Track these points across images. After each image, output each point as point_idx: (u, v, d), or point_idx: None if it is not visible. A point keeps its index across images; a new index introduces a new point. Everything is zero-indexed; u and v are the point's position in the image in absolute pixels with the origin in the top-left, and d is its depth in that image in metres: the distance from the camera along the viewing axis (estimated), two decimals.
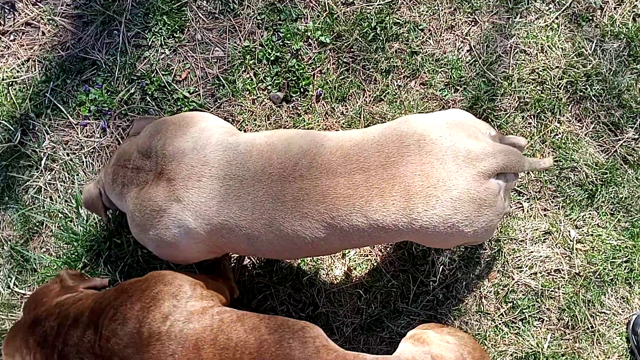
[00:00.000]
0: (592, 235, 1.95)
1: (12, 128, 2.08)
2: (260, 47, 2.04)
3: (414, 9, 2.06)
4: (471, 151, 1.40)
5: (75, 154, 2.07)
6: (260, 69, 2.05)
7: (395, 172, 1.39)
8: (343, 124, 2.01)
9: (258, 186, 1.44)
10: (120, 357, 1.39)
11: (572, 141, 1.99)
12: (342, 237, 1.44)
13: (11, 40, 2.13)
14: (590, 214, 1.97)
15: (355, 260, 1.95)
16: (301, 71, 2.02)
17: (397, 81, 2.03)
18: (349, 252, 1.95)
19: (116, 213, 1.97)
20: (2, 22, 2.14)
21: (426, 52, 2.04)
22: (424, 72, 2.02)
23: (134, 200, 1.55)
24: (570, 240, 1.95)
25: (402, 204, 1.38)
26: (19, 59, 2.12)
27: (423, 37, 2.04)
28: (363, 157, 1.42)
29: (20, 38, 2.13)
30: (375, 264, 1.94)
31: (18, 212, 2.05)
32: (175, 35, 2.07)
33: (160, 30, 2.07)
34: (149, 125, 1.65)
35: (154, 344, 1.37)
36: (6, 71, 2.11)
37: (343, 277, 1.94)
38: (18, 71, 2.11)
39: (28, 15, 2.14)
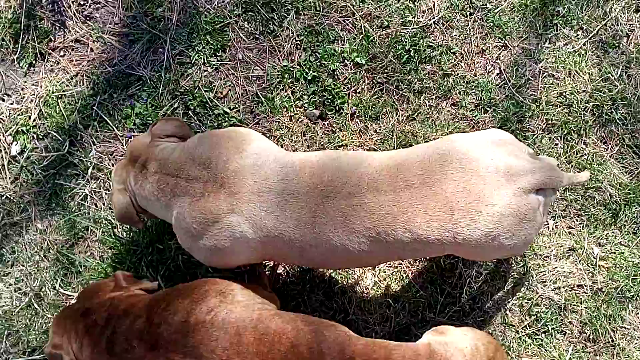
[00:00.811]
0: (614, 252, 2.33)
1: (60, 138, 2.53)
2: (298, 67, 2.47)
3: (447, 33, 2.48)
4: (512, 168, 1.73)
5: None
6: (297, 88, 2.47)
7: (438, 189, 1.72)
8: (376, 141, 2.42)
9: (311, 202, 1.78)
10: (167, 341, 1.74)
11: (597, 162, 2.38)
12: (387, 251, 1.81)
13: (61, 56, 2.58)
14: (613, 232, 2.35)
15: (385, 272, 2.35)
16: (337, 90, 2.44)
17: (429, 101, 2.44)
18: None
19: (158, 220, 2.37)
20: (53, 39, 2.60)
21: (457, 74, 2.45)
22: (455, 94, 2.43)
23: (189, 212, 1.86)
24: (594, 257, 2.32)
25: (445, 219, 1.71)
26: (68, 73, 2.57)
27: (455, 60, 2.46)
28: (407, 175, 1.75)
29: (70, 54, 2.59)
30: (404, 275, 2.34)
31: (64, 217, 2.48)
32: (217, 54, 2.51)
33: (203, 49, 2.51)
34: (203, 136, 1.99)
35: (198, 330, 1.74)
36: (56, 85, 2.56)
37: (373, 287, 2.34)
38: (67, 85, 2.56)
39: (77, 32, 2.60)
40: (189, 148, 1.97)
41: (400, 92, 2.50)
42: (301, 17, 2.51)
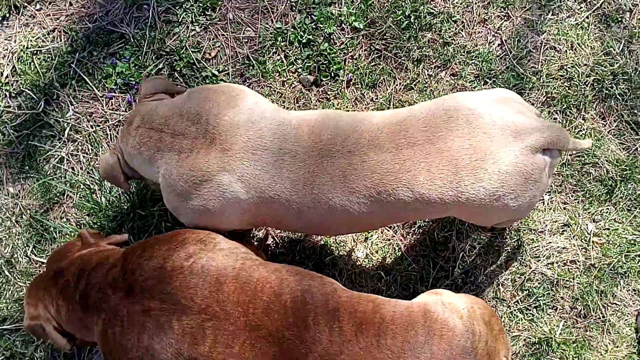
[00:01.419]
0: (608, 229, 2.56)
1: (35, 97, 2.63)
2: (292, 30, 2.60)
3: (449, 1, 2.64)
4: (519, 125, 1.84)
5: (99, 126, 2.62)
6: (291, 52, 2.61)
7: (442, 147, 1.82)
8: (372, 110, 2.57)
9: (309, 161, 1.89)
10: (142, 287, 1.81)
11: (595, 137, 2.59)
12: (387, 212, 1.92)
13: (37, 10, 2.67)
14: (608, 209, 2.58)
15: (377, 244, 2.53)
16: (333, 55, 2.59)
17: (428, 71, 2.61)
18: (372, 235, 2.53)
19: (140, 185, 2.49)
20: None
21: (458, 43, 2.63)
22: (455, 63, 2.61)
23: (177, 168, 1.93)
24: (588, 233, 2.55)
25: (449, 177, 1.81)
26: (44, 28, 2.66)
27: (456, 29, 2.63)
28: (410, 132, 1.85)
29: (47, 7, 2.68)
30: (397, 248, 2.53)
31: (39, 181, 2.60)
32: (206, 12, 2.63)
33: (191, 7, 2.63)
34: (194, 92, 2.06)
35: (175, 277, 1.81)
36: (31, 40, 2.65)
37: (365, 259, 2.52)
38: (43, 41, 2.65)
39: None
40: (177, 103, 2.05)
41: (399, 60, 2.68)
42: None
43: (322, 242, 2.60)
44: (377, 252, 2.60)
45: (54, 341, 2.06)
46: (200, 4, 2.68)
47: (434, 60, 2.67)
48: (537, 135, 1.85)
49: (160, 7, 2.69)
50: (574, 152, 2.58)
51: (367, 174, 1.87)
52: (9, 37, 2.68)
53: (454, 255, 2.59)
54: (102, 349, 1.92)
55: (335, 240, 2.60)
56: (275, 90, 2.68)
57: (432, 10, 2.69)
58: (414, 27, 2.67)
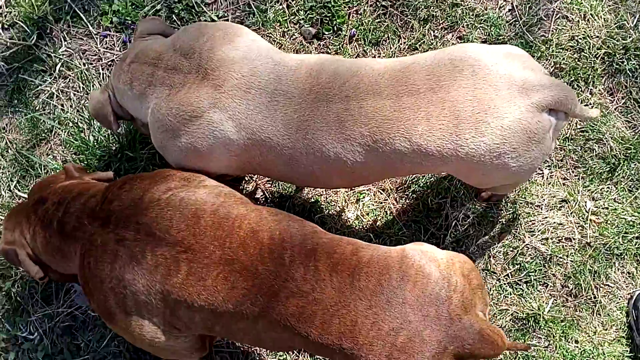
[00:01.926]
0: (607, 208, 2.42)
1: (28, 30, 2.49)
2: None
3: None
4: (527, 81, 1.69)
5: (92, 64, 2.49)
6: (294, 1, 2.47)
7: (445, 96, 1.69)
8: None
9: (305, 105, 1.76)
10: (118, 217, 1.74)
11: (602, 113, 2.44)
12: (383, 163, 1.78)
13: None
14: (608, 187, 2.44)
15: (369, 206, 2.40)
16: (337, 8, 2.45)
17: (434, 31, 2.47)
18: (364, 197, 2.40)
19: (130, 127, 2.37)
20: None
21: (467, 5, 2.47)
22: (463, 26, 2.46)
23: (167, 103, 1.81)
24: (586, 211, 2.41)
25: (449, 129, 1.68)
26: None
27: None
28: (412, 79, 1.72)
29: None
30: (388, 211, 2.40)
31: (27, 116, 2.47)
32: None
33: None
34: (189, 28, 1.94)
35: (151, 209, 1.73)
36: None
37: (355, 220, 2.39)
38: None
39: None
40: (172, 38, 1.94)
41: (405, 19, 2.50)
42: None
43: (313, 200, 2.44)
44: (368, 214, 2.44)
45: (26, 268, 1.98)
46: None
47: (441, 21, 2.48)
48: (545, 92, 1.71)
49: None
50: (580, 119, 2.37)
51: (364, 120, 1.74)
52: None
53: (447, 223, 2.42)
54: (80, 281, 1.84)
55: (326, 199, 2.46)
56: (274, 41, 2.51)
57: None
58: None
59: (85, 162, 2.44)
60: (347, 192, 2.43)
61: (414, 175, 2.41)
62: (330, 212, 2.43)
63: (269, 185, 2.45)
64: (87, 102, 2.46)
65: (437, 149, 1.74)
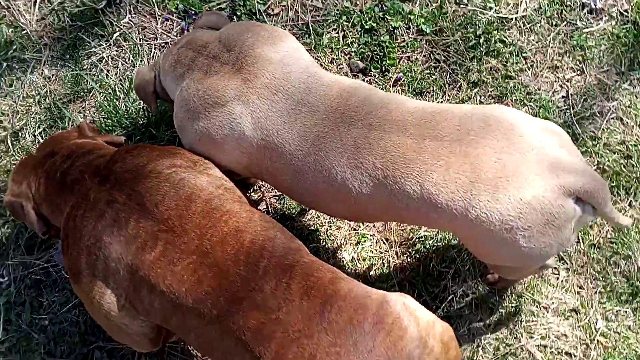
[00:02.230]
0: (619, 334, 1.67)
1: None
2: (359, 13, 1.92)
3: (525, 35, 1.89)
4: (560, 160, 1.18)
5: (147, 41, 1.99)
6: (351, 33, 1.92)
7: (469, 151, 1.19)
8: None
9: (327, 122, 1.31)
10: (116, 178, 1.34)
11: (636, 229, 1.75)
12: (388, 202, 1.26)
13: None
14: (625, 312, 1.70)
15: (368, 252, 1.75)
16: (390, 50, 1.88)
17: (481, 97, 1.85)
18: (365, 241, 1.75)
19: (165, 107, 1.87)
20: None
21: (521, 80, 1.84)
22: (511, 99, 1.84)
23: (196, 84, 1.40)
24: (595, 330, 1.67)
25: (465, 185, 1.18)
26: None
27: (523, 65, 1.85)
28: (441, 125, 1.23)
29: None
30: (386, 264, 1.73)
31: (73, 72, 1.96)
32: None
33: None
34: (238, 23, 1.53)
35: (150, 179, 1.32)
36: None
37: (350, 262, 1.74)
38: None
39: None
40: (220, 31, 1.52)
41: (454, 77, 1.84)
42: None
43: (313, 228, 1.72)
44: (364, 259, 1.72)
45: (30, 221, 1.51)
46: None
47: (490, 89, 1.79)
48: (576, 178, 1.17)
49: None
50: (610, 222, 1.65)
51: (380, 152, 1.25)
52: None
53: (443, 294, 1.67)
54: (62, 233, 1.39)
55: (327, 231, 1.80)
56: (322, 65, 2.02)
57: (504, 39, 1.82)
58: (481, 49, 1.81)
59: (110, 128, 1.93)
60: (349, 230, 1.80)
61: (421, 234, 1.76)
62: (326, 246, 1.79)
63: (275, 200, 1.85)
64: (131, 74, 1.97)
65: (447, 203, 1.20)
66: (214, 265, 1.22)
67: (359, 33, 1.89)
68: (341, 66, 1.88)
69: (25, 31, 2.01)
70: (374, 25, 1.87)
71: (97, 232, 1.31)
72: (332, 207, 1.39)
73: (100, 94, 1.94)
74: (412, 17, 1.88)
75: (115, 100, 1.91)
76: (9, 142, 1.92)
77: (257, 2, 1.92)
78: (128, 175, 1.34)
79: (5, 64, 1.99)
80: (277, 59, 1.40)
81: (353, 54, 1.88)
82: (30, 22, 2.02)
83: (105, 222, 1.31)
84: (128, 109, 1.89)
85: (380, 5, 1.89)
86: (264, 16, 1.92)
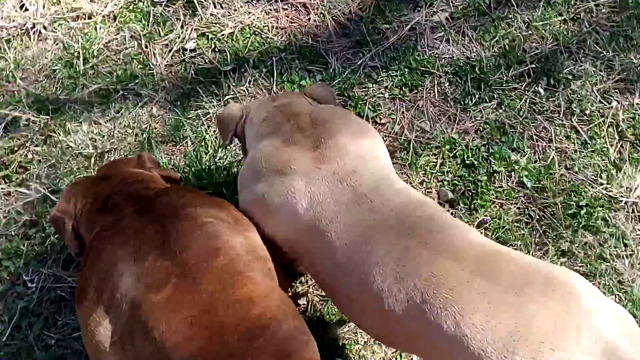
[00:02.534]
0: None
1: (228, 60, 2.37)
2: (464, 147, 2.11)
3: (631, 222, 1.95)
4: (618, 348, 1.15)
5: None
6: (449, 163, 2.09)
7: (521, 304, 1.18)
8: None
9: (382, 224, 1.35)
10: (153, 212, 1.42)
11: None
12: (418, 331, 1.26)
13: (275, 6, 2.53)
14: None
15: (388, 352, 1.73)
16: (484, 190, 2.01)
17: (565, 266, 1.90)
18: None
19: (234, 145, 2.06)
20: None
21: (615, 266, 1.88)
22: (598, 281, 1.86)
23: (271, 149, 1.52)
24: None
25: (505, 339, 1.16)
26: (276, 27, 2.50)
27: (621, 251, 1.89)
28: (499, 267, 1.24)
29: (286, 11, 2.52)
30: None
31: (177, 117, 2.26)
32: (403, 88, 2.26)
33: (394, 76, 2.28)
34: (336, 107, 1.67)
35: (186, 221, 1.38)
36: (259, 22, 2.48)
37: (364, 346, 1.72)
38: (266, 32, 2.47)
39: None
40: (317, 106, 1.66)
41: (544, 239, 1.88)
42: (500, 112, 2.18)
43: (346, 342, 1.76)
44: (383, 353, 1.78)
45: (67, 239, 1.61)
46: (403, 80, 2.35)
47: (578, 263, 1.83)
48: None
49: (371, 62, 2.43)
50: None
51: (425, 274, 1.26)
52: (249, 12, 2.52)
53: None
54: (85, 249, 1.47)
55: (359, 351, 1.80)
56: (410, 184, 2.17)
57: (608, 219, 1.89)
58: (580, 220, 1.88)
59: (186, 176, 2.16)
60: (384, 357, 1.81)
61: None
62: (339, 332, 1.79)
63: (318, 300, 1.91)
64: (220, 141, 2.24)
65: (480, 351, 1.18)
66: (212, 327, 1.23)
67: (458, 165, 2.04)
68: (430, 190, 2.02)
69: (151, 71, 2.36)
70: (475, 162, 2.02)
71: (115, 258, 1.36)
72: (363, 318, 1.41)
73: (192, 143, 2.19)
74: (516, 167, 2.01)
75: (203, 153, 2.14)
76: (92, 160, 2.18)
77: (369, 108, 2.16)
78: (166, 211, 1.41)
79: (121, 92, 2.32)
80: (355, 152, 1.49)
81: (446, 182, 2.02)
82: (159, 64, 2.38)
83: (126, 250, 1.36)
84: (210, 164, 2.11)
85: (487, 146, 2.06)
86: (371, 121, 2.14)
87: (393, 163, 2.01)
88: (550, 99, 2.09)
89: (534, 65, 2.15)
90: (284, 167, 1.47)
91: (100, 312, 1.34)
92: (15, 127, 2.27)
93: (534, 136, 2.05)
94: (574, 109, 2.05)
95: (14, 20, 2.56)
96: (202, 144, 2.18)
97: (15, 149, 2.20)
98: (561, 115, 2.05)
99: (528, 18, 2.26)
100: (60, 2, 2.59)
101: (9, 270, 1.98)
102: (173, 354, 1.19)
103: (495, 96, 2.12)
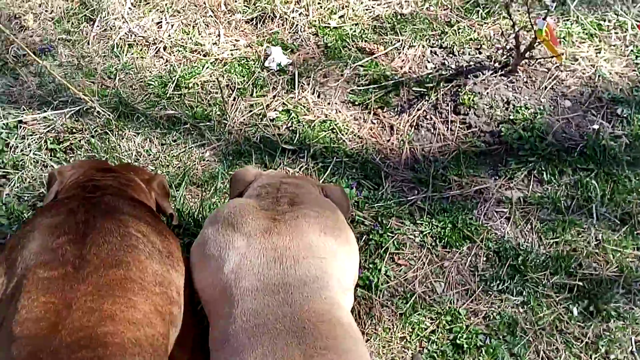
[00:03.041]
0: None
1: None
2: (464, 328, 2.21)
3: None
4: None
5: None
6: (441, 334, 2.18)
7: None
8: None
9: (284, 322, 1.50)
10: (98, 203, 1.73)
11: None
12: None
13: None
14: None
15: None
16: None
17: None
18: None
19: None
20: None
21: None
22: None
23: (243, 203, 1.76)
24: None
25: None
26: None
27: None
28: None
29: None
30: None
31: (220, 170, 2.70)
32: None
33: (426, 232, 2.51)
34: (328, 202, 1.89)
35: (113, 223, 1.65)
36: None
37: None
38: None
39: None
40: (311, 191, 1.90)
41: None
42: (520, 310, 2.21)
43: None
44: None
45: (46, 198, 1.94)
46: (442, 234, 2.54)
47: None
48: None
49: (419, 204, 2.66)
50: None
51: None
52: (341, 114, 3.04)
53: None
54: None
55: None
56: (389, 331, 2.28)
57: None
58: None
59: (185, 224, 2.50)
60: None
61: None
62: None
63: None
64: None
65: None
66: (60, 322, 1.40)
67: (447, 340, 2.16)
68: (406, 349, 2.15)
69: (226, 121, 2.84)
70: (466, 346, 2.12)
71: (39, 226, 1.61)
72: None
73: (217, 196, 2.57)
74: None
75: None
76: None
77: (393, 243, 2.40)
78: (107, 208, 1.67)
79: (189, 126, 2.82)
80: (310, 244, 1.64)
81: (426, 351, 2.14)
82: (235, 118, 2.87)
83: (51, 223, 1.60)
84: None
85: (487, 338, 2.15)
86: (386, 256, 2.37)
87: (385, 307, 2.21)
88: (580, 325, 2.17)
89: (581, 283, 2.26)
90: (238, 222, 1.68)
91: (4, 266, 1.59)
92: (87, 114, 2.84)
93: (542, 352, 2.12)
94: (600, 347, 2.10)
95: (145, 32, 3.25)
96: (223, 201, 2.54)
97: (74, 131, 2.75)
98: (581, 345, 2.11)
99: (602, 236, 2.39)
100: (189, 33, 3.26)
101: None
102: (15, 327, 1.39)
103: (524, 293, 2.24)
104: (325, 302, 1.57)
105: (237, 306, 1.55)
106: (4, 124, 2.76)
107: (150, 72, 3.09)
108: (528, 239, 2.39)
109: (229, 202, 1.83)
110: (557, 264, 2.30)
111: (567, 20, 3.18)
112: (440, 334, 2.16)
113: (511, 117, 2.70)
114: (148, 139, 2.76)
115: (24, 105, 2.92)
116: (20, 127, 2.78)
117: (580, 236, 2.38)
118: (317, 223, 1.71)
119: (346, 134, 2.78)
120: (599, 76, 2.83)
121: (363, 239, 2.40)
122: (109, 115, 2.80)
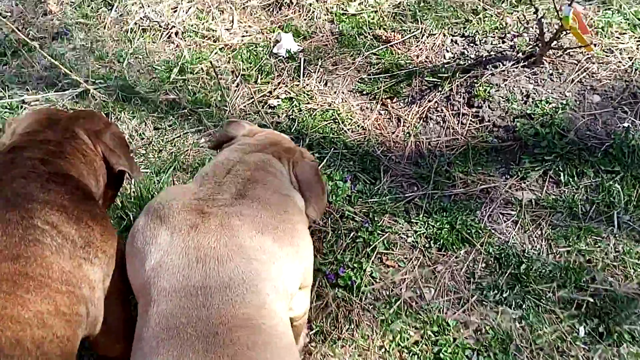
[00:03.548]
0: None
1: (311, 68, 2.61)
2: (451, 341, 1.93)
3: None
4: None
5: None
6: (425, 346, 1.91)
7: None
8: None
9: (188, 335, 1.31)
10: (18, 176, 1.53)
11: None
12: None
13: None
14: None
15: None
16: None
17: None
18: None
19: None
20: None
21: None
22: None
23: (180, 190, 1.57)
24: None
25: None
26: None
27: None
28: None
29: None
30: None
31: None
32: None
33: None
34: (286, 197, 1.63)
35: (23, 208, 1.46)
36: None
37: None
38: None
39: None
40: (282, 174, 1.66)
41: None
42: (517, 326, 1.89)
43: None
44: None
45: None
46: (437, 236, 2.25)
47: None
48: None
49: (417, 201, 2.38)
50: None
51: None
52: (347, 103, 2.83)
53: None
54: None
55: None
56: (368, 339, 2.01)
57: None
58: None
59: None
60: None
61: None
62: None
63: None
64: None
65: None
66: None
67: (431, 354, 1.90)
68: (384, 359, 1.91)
69: (226, 107, 2.68)
70: None
71: None
72: None
73: None
74: None
75: None
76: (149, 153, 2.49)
77: (383, 242, 2.15)
78: (11, 196, 1.45)
79: (188, 111, 2.67)
80: (243, 244, 1.43)
81: None
82: (235, 105, 2.69)
83: None
84: None
85: (475, 353, 1.88)
86: (373, 256, 2.13)
87: (366, 311, 1.97)
88: (585, 347, 1.85)
89: (592, 300, 1.94)
90: (164, 215, 1.48)
91: None
92: (87, 96, 2.74)
93: None
94: None
95: (160, 17, 3.13)
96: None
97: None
98: None
99: (623, 248, 2.06)
100: (202, 19, 3.11)
101: None
102: None
103: (524, 306, 1.95)
104: (249, 307, 1.33)
105: (152, 306, 1.36)
106: (7, 103, 2.68)
107: (159, 56, 2.96)
108: (535, 246, 2.08)
109: (166, 188, 1.64)
110: (566, 275, 1.99)
111: (609, 9, 2.81)
112: (424, 346, 1.89)
113: (528, 112, 2.39)
114: (143, 123, 2.61)
115: (31, 86, 2.84)
116: (23, 107, 2.69)
117: (597, 246, 2.05)
118: (252, 221, 1.47)
119: (349, 124, 2.55)
120: (635, 70, 2.46)
121: (350, 235, 2.15)
122: (106, 98, 2.68)
